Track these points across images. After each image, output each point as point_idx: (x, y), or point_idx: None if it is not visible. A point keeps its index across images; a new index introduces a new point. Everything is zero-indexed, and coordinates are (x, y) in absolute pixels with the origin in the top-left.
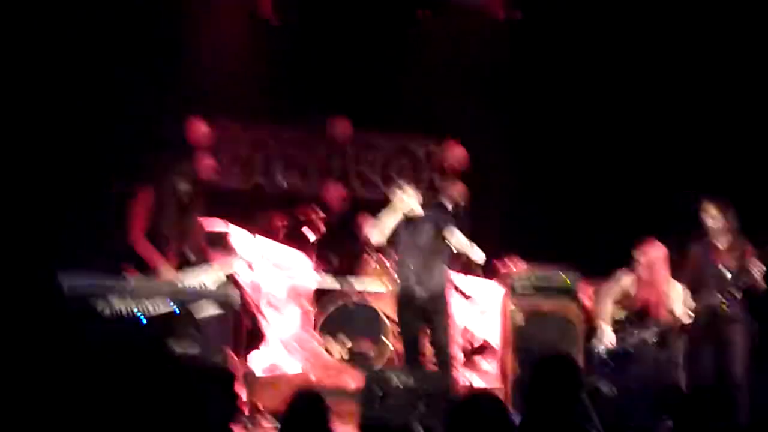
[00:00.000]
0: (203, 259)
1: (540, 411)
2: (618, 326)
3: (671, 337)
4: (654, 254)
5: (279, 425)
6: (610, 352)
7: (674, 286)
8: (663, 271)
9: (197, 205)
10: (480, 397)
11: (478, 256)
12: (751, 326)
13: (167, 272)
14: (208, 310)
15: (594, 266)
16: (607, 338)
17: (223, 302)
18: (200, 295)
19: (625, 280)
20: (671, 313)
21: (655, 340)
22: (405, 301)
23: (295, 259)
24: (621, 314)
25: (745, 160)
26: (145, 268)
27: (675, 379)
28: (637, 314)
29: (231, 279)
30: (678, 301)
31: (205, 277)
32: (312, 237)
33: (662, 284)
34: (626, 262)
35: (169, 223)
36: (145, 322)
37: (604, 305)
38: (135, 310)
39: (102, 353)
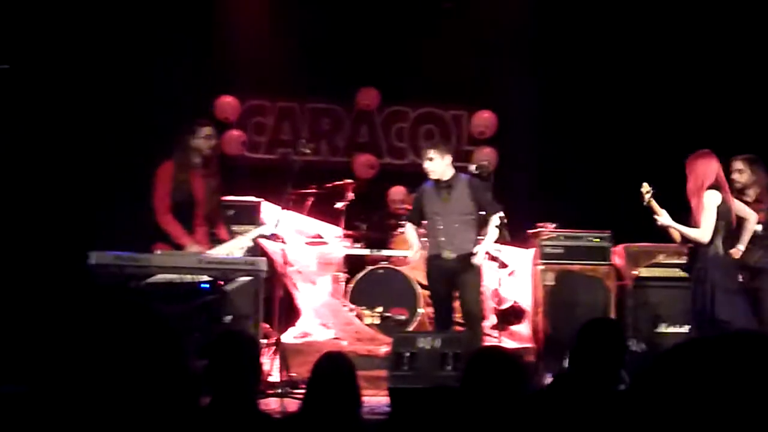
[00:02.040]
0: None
1: (585, 373)
2: None
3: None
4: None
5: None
6: None
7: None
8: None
9: (217, 169)
10: (494, 351)
11: (494, 225)
12: None
13: (194, 248)
14: (237, 279)
15: (625, 230)
16: None
17: (250, 272)
18: (227, 265)
19: None
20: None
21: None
22: (434, 263)
23: (324, 228)
24: None
25: None
26: (175, 246)
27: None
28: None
29: (260, 249)
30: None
31: (233, 246)
32: (340, 205)
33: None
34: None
35: (192, 187)
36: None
37: None
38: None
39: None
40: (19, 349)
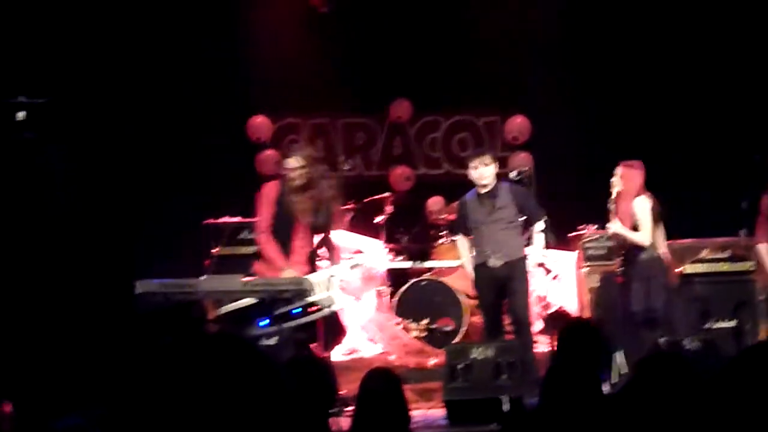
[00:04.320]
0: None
1: (565, 375)
2: None
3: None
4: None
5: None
6: None
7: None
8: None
9: (319, 184)
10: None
11: (539, 231)
12: None
13: (288, 273)
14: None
15: (667, 228)
16: None
17: (296, 292)
18: (273, 287)
19: None
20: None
21: None
22: (481, 272)
23: (365, 243)
24: None
25: None
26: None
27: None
28: None
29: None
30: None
31: (328, 273)
32: (380, 219)
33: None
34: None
35: (292, 211)
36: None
37: None
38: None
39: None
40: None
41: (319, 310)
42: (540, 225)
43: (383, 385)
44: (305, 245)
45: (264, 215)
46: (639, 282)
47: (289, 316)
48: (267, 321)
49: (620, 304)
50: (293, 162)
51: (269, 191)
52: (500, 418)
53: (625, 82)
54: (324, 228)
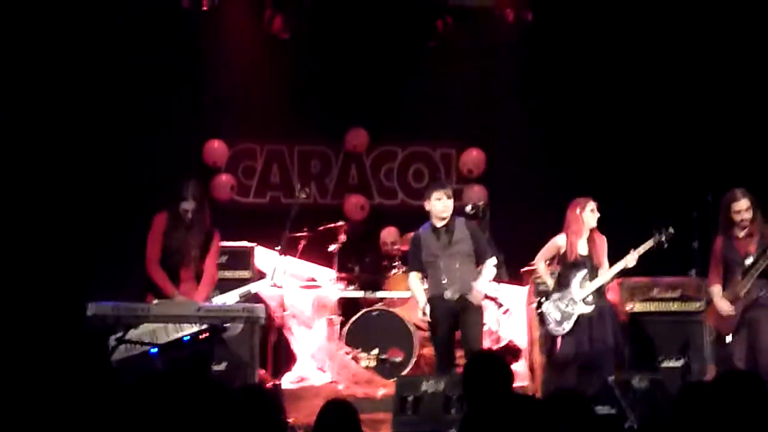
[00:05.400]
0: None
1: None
2: None
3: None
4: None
5: None
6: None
7: None
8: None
9: (206, 223)
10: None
11: (490, 266)
12: None
13: (179, 298)
14: (234, 328)
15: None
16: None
17: (248, 318)
18: (224, 313)
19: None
20: None
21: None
22: (436, 303)
23: (318, 271)
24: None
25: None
26: (163, 296)
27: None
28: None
29: (255, 295)
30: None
31: (226, 298)
32: (333, 248)
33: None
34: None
35: (180, 245)
36: (169, 347)
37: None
38: (161, 335)
39: (133, 380)
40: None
41: (209, 337)
42: (492, 260)
43: (341, 418)
44: (192, 276)
45: (153, 246)
46: (610, 318)
47: (180, 345)
48: (156, 349)
49: (586, 342)
50: (188, 204)
51: (158, 223)
52: None
53: (580, 118)
54: (202, 261)
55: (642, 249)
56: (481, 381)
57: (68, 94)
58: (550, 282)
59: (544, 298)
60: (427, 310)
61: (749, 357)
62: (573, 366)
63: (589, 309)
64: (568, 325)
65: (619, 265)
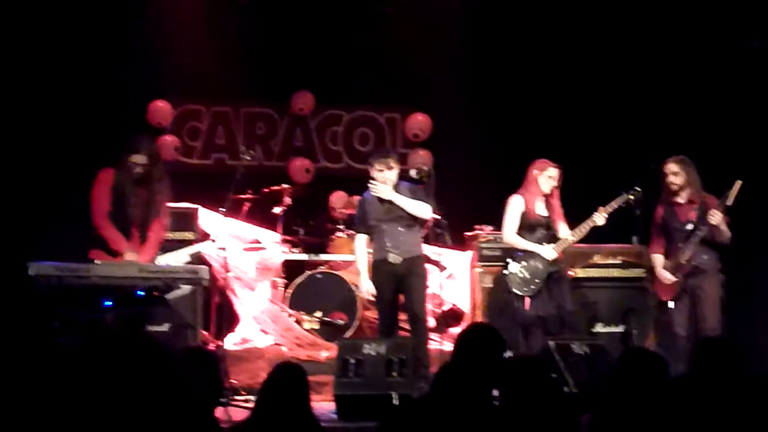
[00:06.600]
0: (161, 238)
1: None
2: None
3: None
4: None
5: (255, 399)
6: None
7: None
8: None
9: (156, 181)
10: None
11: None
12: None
13: (130, 255)
14: (183, 288)
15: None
16: None
17: (191, 280)
18: (168, 274)
19: None
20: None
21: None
22: (381, 268)
23: (262, 234)
24: None
25: (703, 115)
26: (111, 252)
27: None
28: None
29: (199, 257)
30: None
31: (172, 257)
32: (278, 211)
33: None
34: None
35: (128, 201)
36: (113, 304)
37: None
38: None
39: (76, 341)
40: None
41: (162, 294)
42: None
43: (291, 380)
44: (138, 235)
45: (101, 201)
46: (566, 282)
47: (133, 299)
48: (110, 302)
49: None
50: (140, 158)
51: (106, 179)
52: (386, 413)
53: (526, 83)
54: (148, 221)
55: (609, 208)
56: (477, 349)
57: (9, 48)
58: (532, 248)
59: (510, 260)
60: (372, 289)
61: (690, 323)
62: (538, 328)
63: (554, 269)
64: (535, 287)
65: (588, 224)
